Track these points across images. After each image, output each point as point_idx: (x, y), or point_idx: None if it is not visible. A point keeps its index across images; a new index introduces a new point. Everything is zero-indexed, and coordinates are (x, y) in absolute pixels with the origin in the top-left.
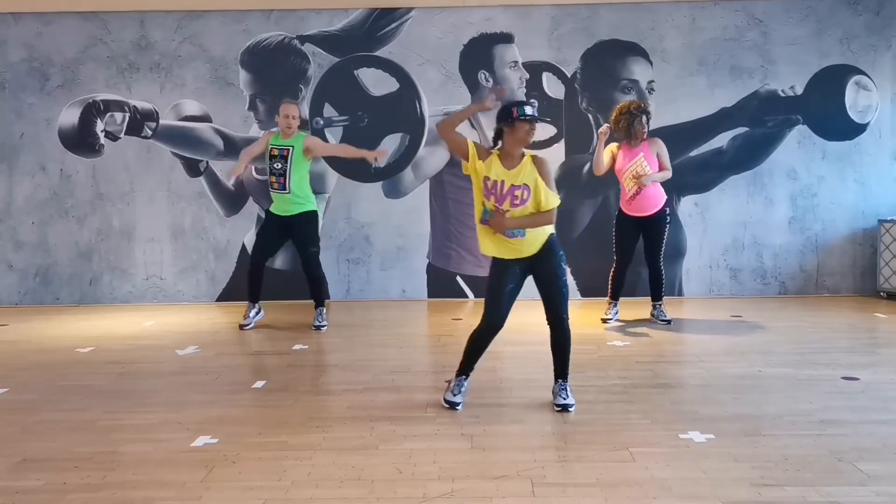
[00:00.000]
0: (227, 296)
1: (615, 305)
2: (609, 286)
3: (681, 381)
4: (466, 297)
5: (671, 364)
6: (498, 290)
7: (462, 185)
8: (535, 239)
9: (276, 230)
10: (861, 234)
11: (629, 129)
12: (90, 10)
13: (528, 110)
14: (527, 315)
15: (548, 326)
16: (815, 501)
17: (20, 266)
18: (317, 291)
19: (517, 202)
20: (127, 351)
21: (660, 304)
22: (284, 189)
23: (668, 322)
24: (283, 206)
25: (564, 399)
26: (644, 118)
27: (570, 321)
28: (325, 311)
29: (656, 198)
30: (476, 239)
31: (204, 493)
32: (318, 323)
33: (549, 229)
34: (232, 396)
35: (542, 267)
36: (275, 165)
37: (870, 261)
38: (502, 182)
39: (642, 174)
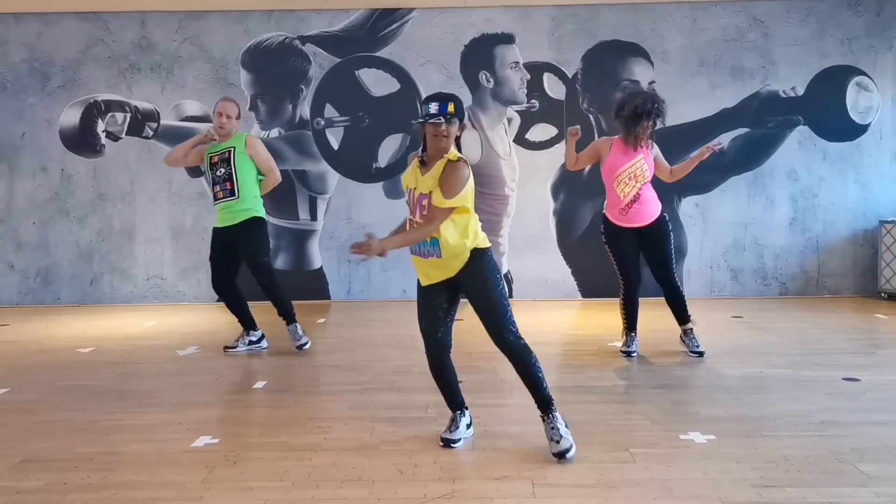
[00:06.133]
0: None
1: (634, 336)
2: (622, 316)
3: (681, 381)
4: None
5: (672, 365)
6: (425, 312)
7: None
8: (453, 257)
9: (222, 247)
10: (862, 234)
11: (632, 128)
12: (91, 10)
13: (433, 108)
14: (526, 315)
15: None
16: (815, 502)
17: (21, 266)
18: (280, 304)
19: (425, 213)
20: (127, 351)
21: (690, 330)
22: (233, 195)
23: (702, 354)
24: (228, 216)
25: (560, 438)
26: (652, 124)
27: (519, 338)
28: (299, 326)
29: (654, 203)
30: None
31: (204, 493)
32: (299, 342)
33: (469, 244)
34: (232, 397)
35: (469, 281)
36: (217, 173)
37: (870, 262)
38: (413, 190)
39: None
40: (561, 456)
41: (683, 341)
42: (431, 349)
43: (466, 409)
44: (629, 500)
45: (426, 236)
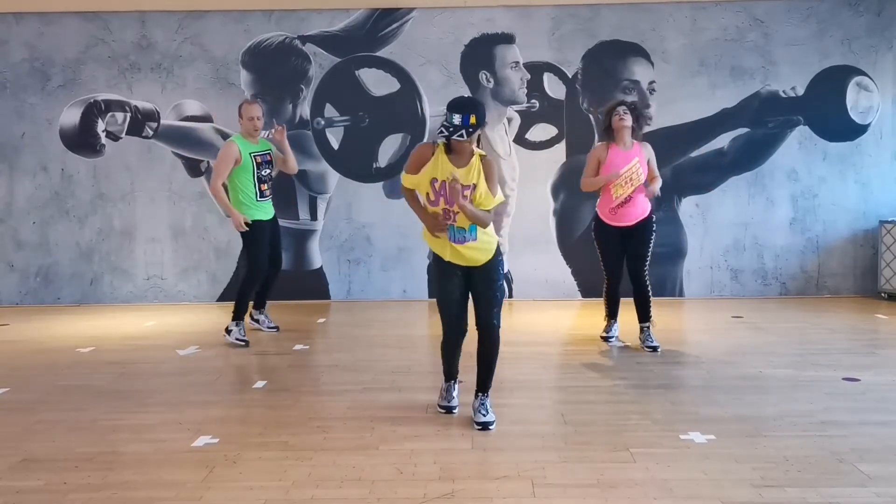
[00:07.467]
0: (228, 296)
1: (614, 323)
2: (605, 305)
3: (681, 381)
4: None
5: (672, 365)
6: (447, 297)
7: None
8: (485, 249)
9: (267, 235)
10: (862, 235)
11: (609, 126)
12: (91, 10)
13: (456, 119)
14: (526, 315)
15: (480, 332)
16: (815, 502)
17: (21, 266)
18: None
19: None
20: (127, 351)
21: (647, 328)
22: (269, 194)
23: (656, 349)
24: (269, 209)
25: (484, 416)
26: (622, 113)
27: (499, 326)
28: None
29: (643, 205)
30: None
31: (205, 493)
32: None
33: (494, 240)
34: (233, 396)
35: (479, 268)
36: (263, 172)
37: (871, 262)
38: (448, 180)
39: (645, 181)
40: (485, 427)
41: (640, 337)
42: (449, 317)
43: (456, 384)
44: (629, 500)
45: (487, 221)
